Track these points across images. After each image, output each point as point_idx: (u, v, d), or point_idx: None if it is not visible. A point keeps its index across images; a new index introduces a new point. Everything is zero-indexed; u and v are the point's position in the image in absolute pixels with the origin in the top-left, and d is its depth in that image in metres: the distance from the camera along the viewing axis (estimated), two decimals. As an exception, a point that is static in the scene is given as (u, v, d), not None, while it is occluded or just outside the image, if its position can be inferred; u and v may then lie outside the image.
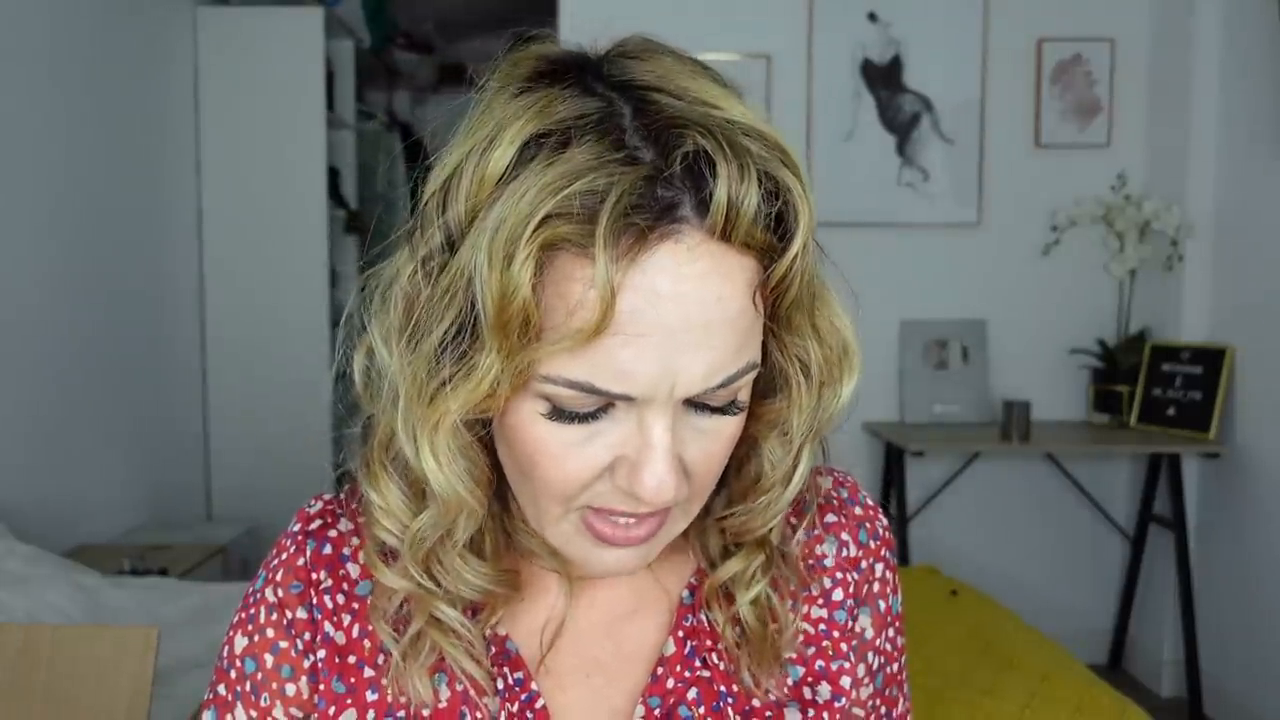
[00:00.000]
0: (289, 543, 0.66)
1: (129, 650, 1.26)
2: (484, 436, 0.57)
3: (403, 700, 0.61)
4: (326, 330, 3.71)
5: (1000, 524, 3.36)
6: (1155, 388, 3.08)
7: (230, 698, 0.64)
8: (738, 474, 0.62)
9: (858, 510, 0.70)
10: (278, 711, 0.63)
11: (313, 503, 0.68)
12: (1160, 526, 3.12)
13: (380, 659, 0.62)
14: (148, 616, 2.01)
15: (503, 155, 0.51)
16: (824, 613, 0.67)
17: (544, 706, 0.62)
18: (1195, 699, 2.93)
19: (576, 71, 0.54)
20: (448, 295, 0.52)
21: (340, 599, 0.64)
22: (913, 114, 3.27)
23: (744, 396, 0.56)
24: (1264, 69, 2.77)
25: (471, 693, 0.61)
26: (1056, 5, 3.26)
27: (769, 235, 0.51)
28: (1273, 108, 2.74)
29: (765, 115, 0.54)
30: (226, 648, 0.65)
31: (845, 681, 0.66)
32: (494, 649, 0.62)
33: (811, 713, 0.64)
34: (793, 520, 0.67)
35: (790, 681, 0.65)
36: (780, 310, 0.55)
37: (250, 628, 0.64)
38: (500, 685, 0.61)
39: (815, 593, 0.67)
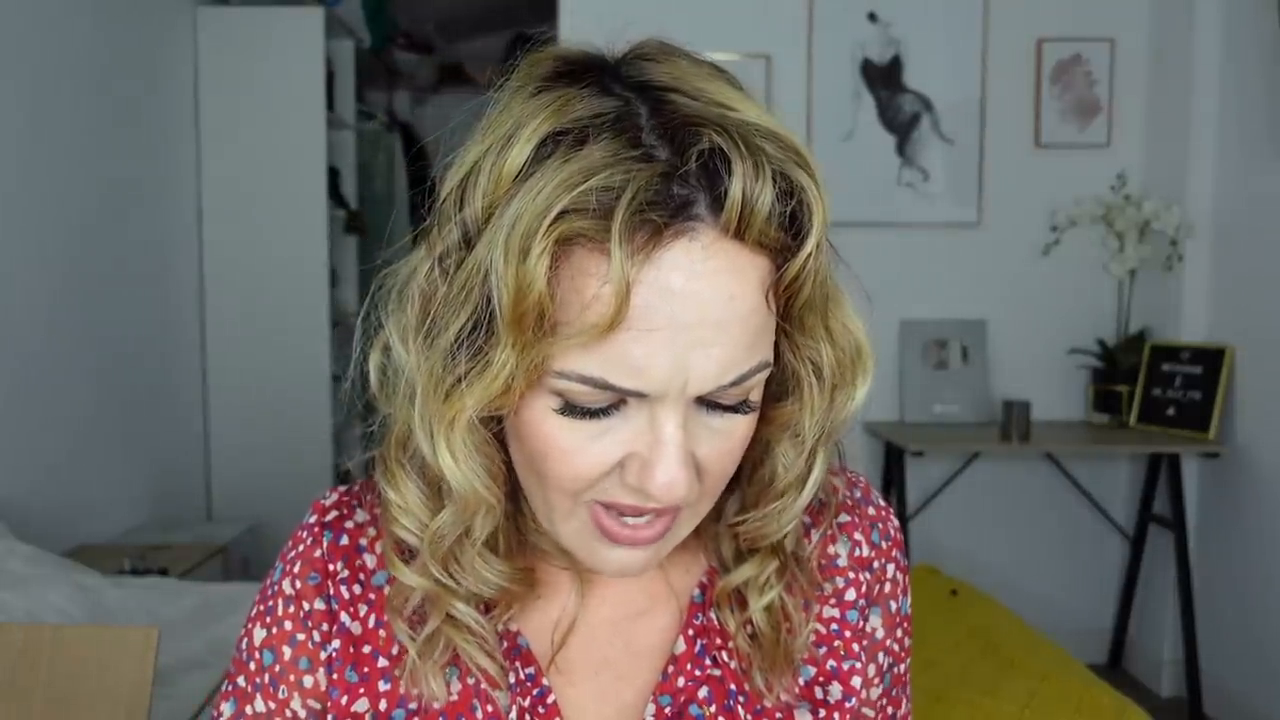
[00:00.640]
0: (305, 534, 0.66)
1: (129, 650, 1.26)
2: (497, 433, 0.58)
3: (415, 692, 0.61)
4: (327, 330, 3.71)
5: (1000, 524, 3.36)
6: (1155, 388, 3.08)
7: (250, 689, 0.65)
8: (751, 478, 0.62)
9: (870, 510, 0.71)
10: (295, 703, 0.64)
11: (328, 494, 0.68)
12: (1160, 526, 3.12)
13: (395, 649, 0.63)
14: (148, 616, 2.01)
15: (520, 152, 0.51)
16: (836, 612, 0.67)
17: (554, 702, 0.62)
18: (1195, 699, 2.93)
19: (594, 72, 0.54)
20: (464, 291, 0.52)
21: (357, 589, 0.64)
22: (913, 114, 3.27)
23: (756, 396, 0.56)
24: (1264, 69, 2.77)
25: (483, 686, 0.61)
26: (1056, 5, 3.26)
27: (783, 234, 0.52)
28: (1272, 108, 2.74)
29: (779, 118, 0.54)
30: (245, 640, 0.66)
31: (856, 681, 0.66)
32: (505, 644, 0.63)
33: (822, 713, 0.64)
34: (806, 519, 0.67)
35: (801, 681, 0.65)
36: (793, 310, 0.55)
37: (269, 620, 0.65)
38: (512, 680, 0.62)
39: (828, 592, 0.67)
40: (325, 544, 0.65)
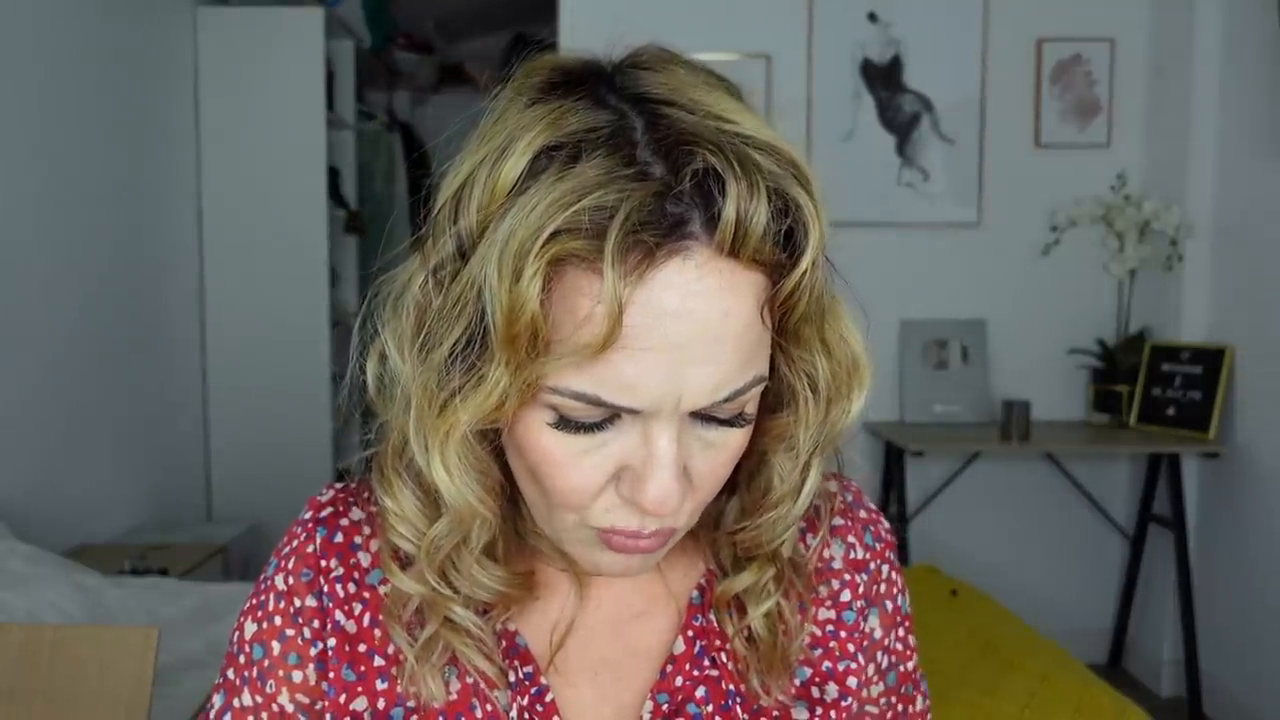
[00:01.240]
0: (300, 530, 0.66)
1: (129, 650, 1.26)
2: (495, 442, 0.58)
3: (413, 690, 0.61)
4: (327, 330, 3.71)
5: (1000, 524, 3.36)
6: (1155, 388, 3.08)
7: (238, 682, 0.65)
8: (749, 487, 0.62)
9: (862, 514, 0.72)
10: (283, 698, 0.64)
11: (324, 491, 0.68)
12: (1160, 526, 3.12)
13: (390, 649, 0.63)
14: (148, 616, 2.01)
15: (514, 167, 0.51)
16: (832, 614, 0.68)
17: (553, 700, 0.62)
18: (1195, 699, 2.93)
19: (590, 82, 0.54)
20: (458, 306, 0.52)
21: (351, 587, 0.64)
22: (913, 114, 3.27)
23: (751, 409, 0.56)
24: (1264, 69, 2.77)
25: (482, 685, 0.61)
26: (1056, 5, 3.26)
27: (778, 251, 0.51)
28: (1272, 108, 2.74)
29: (779, 121, 0.54)
30: (237, 633, 0.66)
31: (852, 682, 0.67)
32: (504, 643, 0.63)
33: (819, 711, 0.65)
34: (802, 524, 0.67)
35: (798, 682, 0.66)
36: (788, 324, 0.55)
37: (260, 614, 0.65)
38: (510, 679, 0.62)
39: (823, 594, 0.68)
40: (319, 540, 0.65)
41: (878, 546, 0.71)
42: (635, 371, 0.50)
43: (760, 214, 0.50)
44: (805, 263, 0.52)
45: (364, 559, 0.65)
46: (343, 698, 0.62)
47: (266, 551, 3.34)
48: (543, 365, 0.50)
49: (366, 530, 0.66)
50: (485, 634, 0.61)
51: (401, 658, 0.62)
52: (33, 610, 1.82)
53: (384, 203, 4.49)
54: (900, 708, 0.72)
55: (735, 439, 0.56)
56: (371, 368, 0.60)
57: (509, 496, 0.61)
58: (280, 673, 0.64)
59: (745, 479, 0.62)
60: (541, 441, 0.54)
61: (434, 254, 0.55)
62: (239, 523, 3.31)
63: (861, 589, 0.69)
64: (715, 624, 0.65)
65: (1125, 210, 3.10)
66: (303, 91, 3.63)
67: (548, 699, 0.62)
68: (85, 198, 2.87)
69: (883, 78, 3.26)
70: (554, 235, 0.48)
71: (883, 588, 0.71)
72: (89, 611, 1.93)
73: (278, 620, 0.64)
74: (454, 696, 0.61)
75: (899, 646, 0.72)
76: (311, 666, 0.64)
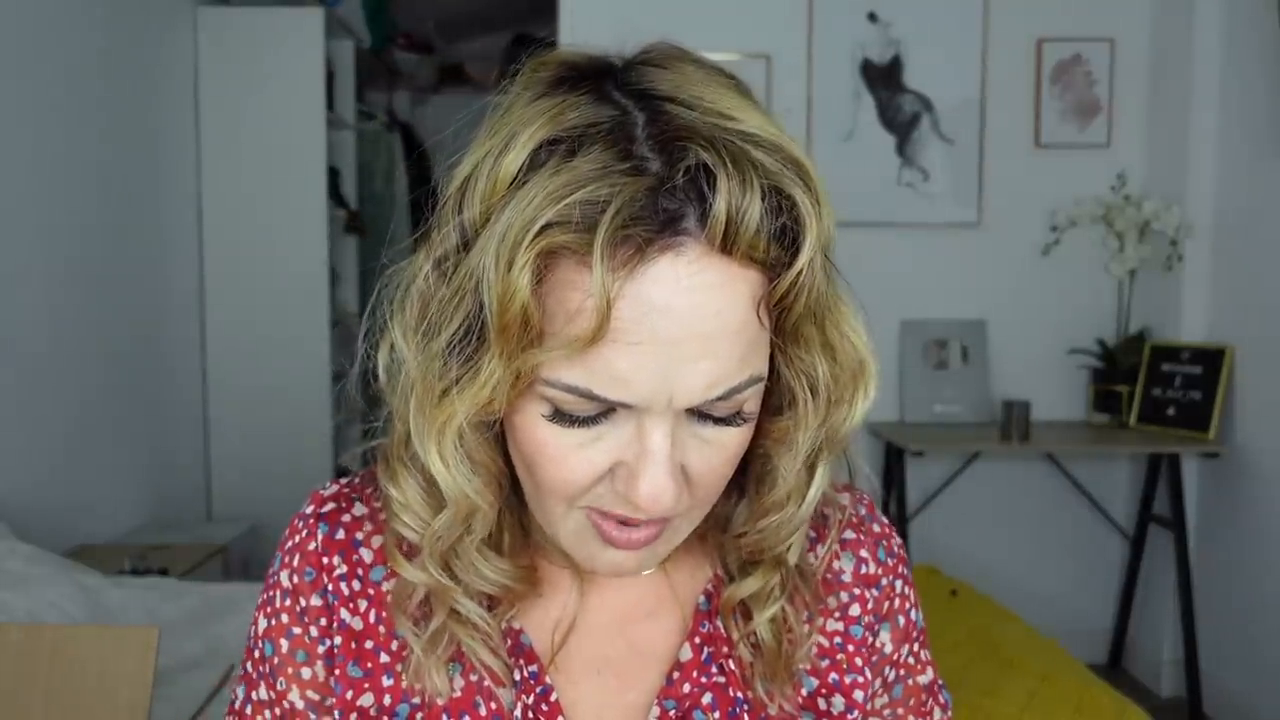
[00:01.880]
0: (300, 525, 0.66)
1: (129, 650, 1.26)
2: (498, 433, 0.58)
3: (418, 686, 0.62)
4: (326, 330, 3.71)
5: (1000, 524, 3.36)
6: (1155, 388, 3.08)
7: (255, 676, 0.66)
8: (756, 491, 0.62)
9: (875, 528, 0.71)
10: (293, 695, 0.65)
11: (328, 485, 0.68)
12: (1160, 526, 3.12)
13: (395, 645, 0.63)
14: (148, 616, 2.01)
15: (515, 160, 0.51)
16: (840, 626, 0.68)
17: (557, 700, 0.62)
18: (1195, 699, 2.93)
19: (596, 79, 0.54)
20: (458, 296, 0.53)
21: (355, 585, 0.64)
22: (913, 114, 3.27)
23: (750, 408, 0.56)
24: (1264, 69, 2.77)
25: (487, 683, 0.62)
26: (1056, 5, 3.26)
27: (774, 248, 0.51)
28: (1272, 108, 2.74)
29: (782, 122, 0.54)
30: (252, 627, 0.67)
31: (859, 695, 0.67)
32: (509, 642, 0.63)
33: None
34: (811, 533, 0.67)
35: (805, 692, 0.65)
36: (786, 324, 0.54)
37: (269, 610, 0.66)
38: (515, 677, 0.62)
39: (832, 606, 0.68)
40: (320, 537, 0.65)
41: (890, 562, 0.70)
42: (626, 366, 0.50)
43: (753, 210, 0.49)
44: (802, 261, 0.51)
45: (366, 555, 0.65)
46: (349, 694, 0.63)
47: (266, 551, 3.33)
48: (535, 356, 0.50)
49: (369, 526, 0.66)
50: (492, 629, 0.61)
51: (407, 653, 0.62)
52: (33, 610, 1.82)
53: (384, 203, 4.49)
54: None
55: (734, 439, 0.56)
56: (382, 358, 0.60)
57: (513, 489, 0.61)
58: (290, 670, 0.64)
59: (753, 482, 0.62)
60: (537, 434, 0.54)
61: (439, 245, 0.55)
62: (239, 523, 3.31)
63: (871, 604, 0.69)
64: (722, 630, 0.65)
65: (1125, 210, 3.10)
66: (303, 91, 3.63)
67: (552, 698, 0.62)
68: (85, 197, 2.87)
69: (883, 78, 3.26)
70: (545, 228, 0.49)
71: (895, 603, 0.70)
72: (89, 611, 1.93)
73: (285, 618, 0.65)
74: (458, 694, 0.61)
75: (910, 661, 0.71)
76: (320, 664, 0.64)
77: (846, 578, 0.68)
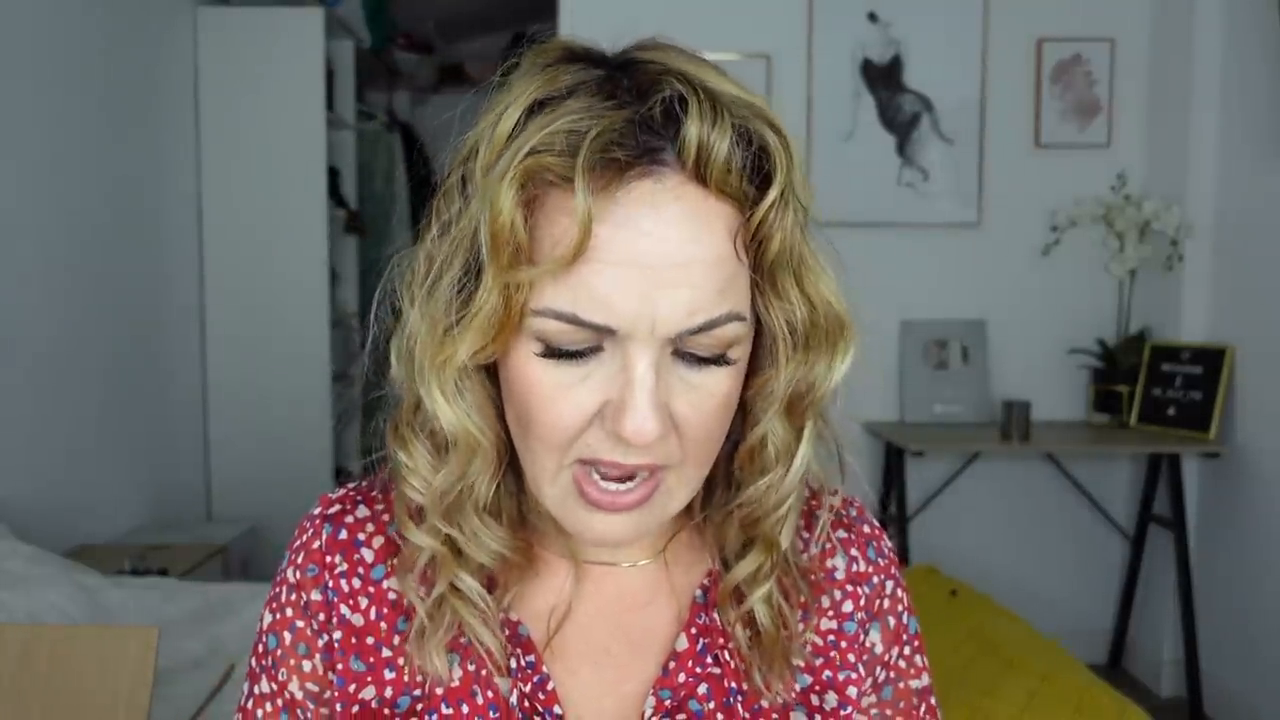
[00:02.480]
0: (307, 525, 0.69)
1: (129, 650, 1.26)
2: (497, 405, 0.61)
3: (419, 679, 0.64)
4: (326, 330, 3.71)
5: (1000, 524, 3.36)
6: (1155, 388, 3.08)
7: (258, 669, 0.69)
8: (750, 460, 0.64)
9: (865, 529, 0.72)
10: (294, 686, 0.67)
11: (336, 490, 0.71)
12: (1160, 526, 3.12)
13: (396, 640, 0.65)
14: (148, 616, 2.01)
15: (511, 116, 0.55)
16: (834, 624, 0.69)
17: (554, 689, 0.63)
18: (1195, 699, 2.93)
19: (589, 57, 0.59)
20: (458, 242, 0.57)
21: (356, 583, 0.66)
22: (913, 114, 3.27)
23: (735, 354, 0.58)
24: (1264, 69, 2.77)
25: (485, 672, 0.63)
26: (1056, 5, 3.26)
27: (745, 183, 0.55)
28: (1273, 108, 2.74)
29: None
30: (259, 623, 0.69)
31: (852, 691, 0.67)
32: (507, 632, 0.64)
33: (819, 717, 0.65)
34: (804, 534, 0.69)
35: (798, 688, 0.66)
36: (764, 264, 0.57)
37: (274, 605, 0.68)
38: (512, 665, 0.64)
39: (825, 604, 0.69)
40: (324, 537, 0.67)
41: (881, 562, 0.72)
42: (607, 287, 0.53)
43: (723, 140, 0.53)
44: (773, 193, 0.55)
45: (368, 555, 0.67)
46: (352, 687, 0.65)
47: (266, 552, 3.34)
48: (524, 274, 0.54)
49: (371, 528, 0.68)
50: (489, 609, 0.63)
51: (408, 646, 0.63)
52: (33, 610, 1.82)
53: (384, 203, 4.49)
54: None
55: (721, 384, 0.57)
56: (396, 344, 0.63)
57: (511, 467, 0.63)
58: (291, 661, 0.67)
59: (745, 452, 0.63)
60: (530, 374, 0.56)
61: (444, 211, 0.60)
62: (239, 523, 3.31)
63: (863, 601, 0.70)
64: (719, 623, 0.66)
65: (1125, 210, 3.10)
66: (302, 91, 3.63)
67: (549, 687, 0.63)
68: (85, 198, 2.87)
69: (883, 78, 3.26)
70: (531, 152, 0.53)
71: (885, 603, 0.71)
72: (89, 612, 1.93)
73: (289, 612, 0.67)
74: (456, 683, 0.63)
75: (902, 664, 0.72)
76: (319, 657, 0.66)
77: (839, 575, 0.70)
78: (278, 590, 0.68)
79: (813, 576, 0.68)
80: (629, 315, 0.53)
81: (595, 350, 0.55)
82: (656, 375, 0.55)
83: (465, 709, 0.63)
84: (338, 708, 0.65)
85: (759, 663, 0.64)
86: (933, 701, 0.74)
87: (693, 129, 0.53)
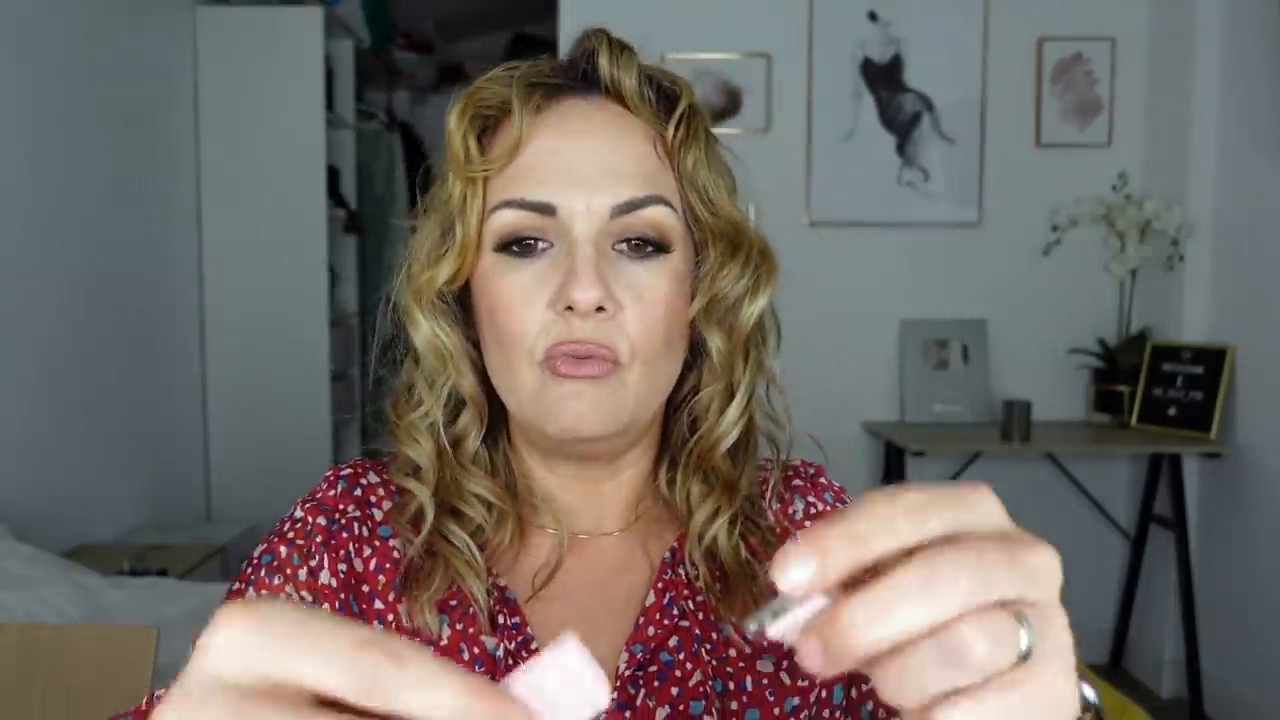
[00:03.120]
0: (323, 482, 0.73)
1: (129, 650, 1.26)
2: (469, 337, 0.70)
3: (407, 625, 0.67)
4: (326, 330, 3.70)
5: (1001, 524, 3.35)
6: (1156, 388, 3.08)
7: (243, 587, 0.70)
8: (699, 385, 0.71)
9: (823, 481, 0.78)
10: (289, 587, 0.68)
11: (343, 466, 0.76)
12: (1161, 526, 3.12)
13: (390, 597, 0.68)
14: (148, 616, 2.00)
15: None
16: None
17: (537, 648, 0.66)
18: (1196, 698, 2.93)
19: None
20: (435, 208, 0.69)
21: (364, 531, 0.70)
22: (913, 113, 3.27)
23: (670, 245, 0.66)
24: (1264, 69, 2.77)
25: (471, 630, 0.66)
26: (1057, 5, 3.26)
27: (656, 106, 0.68)
28: (1273, 107, 2.74)
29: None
30: (247, 565, 0.71)
31: None
32: (495, 594, 0.68)
33: (785, 663, 0.68)
34: (765, 496, 0.74)
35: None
36: (684, 172, 0.68)
37: (274, 538, 0.71)
38: (500, 623, 0.67)
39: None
40: (339, 489, 0.72)
41: (839, 506, 0.76)
42: (544, 172, 0.65)
43: (631, 76, 0.67)
44: (680, 108, 0.67)
45: (377, 514, 0.71)
46: None
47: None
48: (478, 170, 0.65)
49: (380, 492, 0.73)
50: (477, 560, 0.67)
51: (400, 606, 0.67)
52: (31, 611, 1.82)
53: (383, 203, 4.49)
54: None
55: (659, 280, 0.66)
56: (391, 290, 0.72)
57: (508, 430, 0.73)
58: (288, 571, 0.68)
59: (695, 384, 0.71)
60: (494, 283, 0.66)
61: (433, 197, 0.70)
62: (238, 523, 3.30)
63: None
64: (684, 577, 0.70)
65: (1126, 210, 3.09)
66: (302, 91, 3.63)
67: (533, 647, 0.66)
68: (85, 197, 2.87)
69: (883, 77, 3.26)
70: (476, 89, 0.67)
71: None
72: (88, 612, 1.92)
73: (289, 533, 0.70)
74: (444, 642, 0.66)
75: None
76: (309, 565, 0.68)
77: (798, 516, 0.75)
78: (280, 525, 0.71)
79: (777, 529, 0.72)
80: (565, 193, 0.64)
81: (546, 247, 0.65)
82: (597, 253, 0.64)
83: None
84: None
85: (728, 612, 0.68)
86: None
87: (604, 63, 0.67)
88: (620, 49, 0.68)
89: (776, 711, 0.67)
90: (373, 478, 0.73)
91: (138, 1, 3.20)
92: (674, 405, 0.73)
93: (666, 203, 0.66)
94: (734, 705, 0.67)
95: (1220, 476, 2.99)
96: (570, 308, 0.63)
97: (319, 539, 0.69)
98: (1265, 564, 2.78)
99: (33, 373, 2.60)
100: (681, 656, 0.67)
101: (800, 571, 0.32)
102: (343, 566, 0.68)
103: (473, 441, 0.70)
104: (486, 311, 0.67)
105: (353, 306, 4.20)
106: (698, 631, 0.68)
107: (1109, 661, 3.33)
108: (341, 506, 0.71)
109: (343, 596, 0.68)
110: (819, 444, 0.75)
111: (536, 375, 0.65)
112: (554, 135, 0.66)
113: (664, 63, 0.73)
